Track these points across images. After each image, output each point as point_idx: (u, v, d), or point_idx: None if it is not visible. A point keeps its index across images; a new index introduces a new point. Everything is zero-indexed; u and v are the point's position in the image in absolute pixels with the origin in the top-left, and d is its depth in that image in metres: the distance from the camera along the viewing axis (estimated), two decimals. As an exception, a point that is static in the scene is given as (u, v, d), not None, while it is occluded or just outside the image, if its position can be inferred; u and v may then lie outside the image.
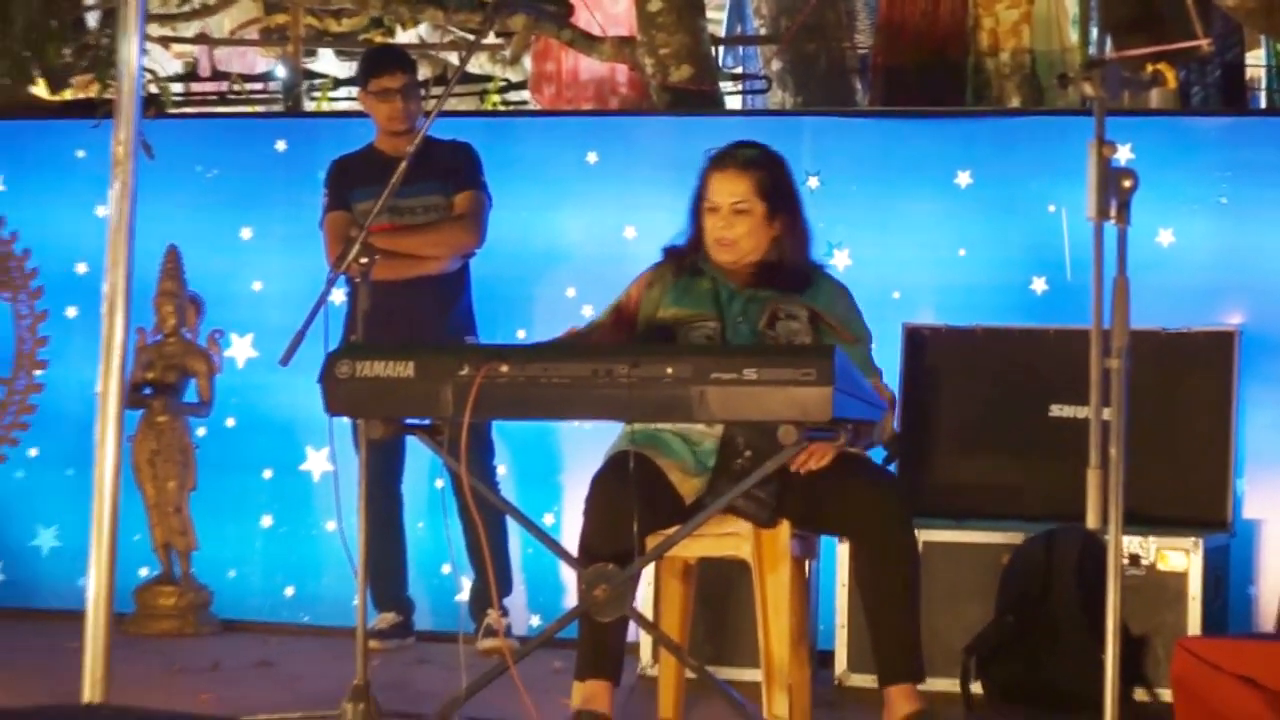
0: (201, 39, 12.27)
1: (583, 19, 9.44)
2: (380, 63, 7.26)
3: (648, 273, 5.66)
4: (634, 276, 5.78)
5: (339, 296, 6.37)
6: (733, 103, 10.15)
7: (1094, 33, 8.49)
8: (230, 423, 7.69)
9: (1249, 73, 9.03)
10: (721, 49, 10.35)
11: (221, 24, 12.25)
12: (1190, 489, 6.34)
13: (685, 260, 5.61)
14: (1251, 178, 6.85)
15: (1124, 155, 6.66)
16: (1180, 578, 6.02)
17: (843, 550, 5.97)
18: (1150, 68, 8.11)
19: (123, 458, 4.52)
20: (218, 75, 12.58)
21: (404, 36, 11.83)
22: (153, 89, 8.26)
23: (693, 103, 8.38)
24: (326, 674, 6.18)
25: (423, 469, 7.14)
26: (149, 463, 7.45)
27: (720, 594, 5.99)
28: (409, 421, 5.36)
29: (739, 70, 11.11)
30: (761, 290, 5.55)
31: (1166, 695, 5.45)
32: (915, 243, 7.07)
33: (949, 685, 5.98)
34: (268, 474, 7.67)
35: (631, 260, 6.74)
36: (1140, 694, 5.71)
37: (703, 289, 5.56)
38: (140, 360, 7.44)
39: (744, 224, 5.55)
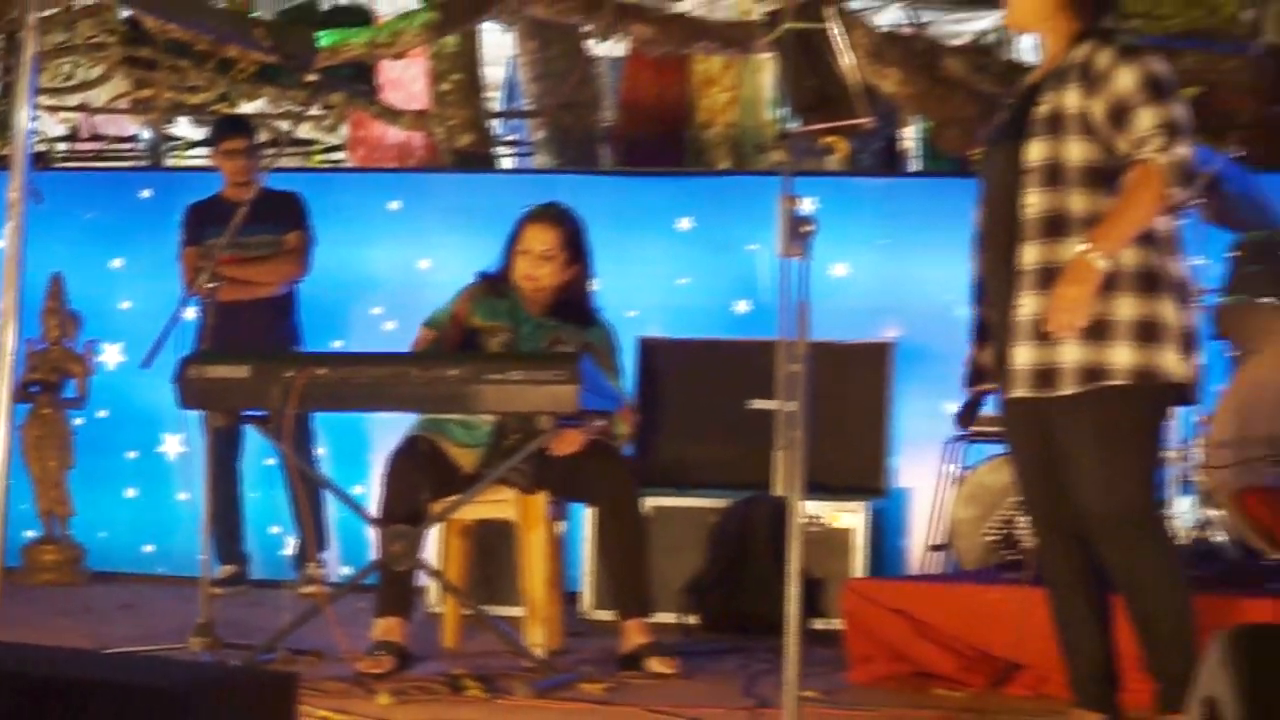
0: (82, 108, 11.97)
1: (388, 96, 9.36)
2: (227, 128, 7.20)
3: (470, 288, 5.57)
4: (430, 298, 5.75)
5: (191, 313, 6.23)
6: (506, 163, 10.09)
7: (785, 111, 8.55)
8: (102, 414, 7.51)
9: (904, 144, 9.14)
10: (497, 120, 10.27)
11: (99, 96, 11.94)
12: (856, 464, 6.39)
13: (495, 284, 5.56)
14: (906, 224, 6.94)
15: (807, 206, 6.66)
16: (848, 533, 6.09)
17: (588, 514, 5.95)
18: (826, 140, 8.21)
19: (13, 442, 4.36)
20: (95, 137, 12.27)
21: (247, 108, 11.61)
22: (41, 147, 8.05)
23: (474, 163, 8.35)
24: (178, 614, 6.04)
25: (257, 450, 7.02)
26: (35, 446, 7.27)
27: (492, 547, 5.95)
28: (245, 413, 5.28)
29: (512, 137, 11.04)
30: (550, 320, 5.52)
31: (838, 624, 5.50)
32: (647, 273, 7.08)
33: (671, 618, 5.99)
34: (132, 455, 7.51)
35: (427, 286, 6.70)
36: (818, 623, 5.76)
37: (503, 308, 5.51)
38: (29, 364, 7.26)
39: (547, 266, 5.50)
